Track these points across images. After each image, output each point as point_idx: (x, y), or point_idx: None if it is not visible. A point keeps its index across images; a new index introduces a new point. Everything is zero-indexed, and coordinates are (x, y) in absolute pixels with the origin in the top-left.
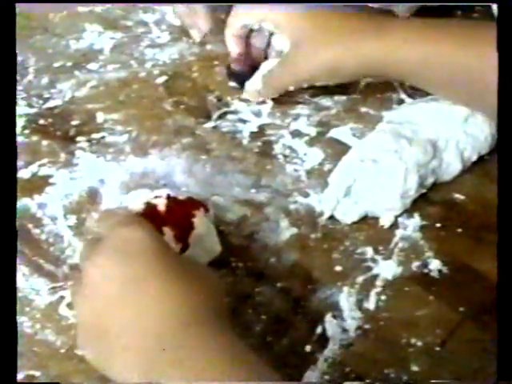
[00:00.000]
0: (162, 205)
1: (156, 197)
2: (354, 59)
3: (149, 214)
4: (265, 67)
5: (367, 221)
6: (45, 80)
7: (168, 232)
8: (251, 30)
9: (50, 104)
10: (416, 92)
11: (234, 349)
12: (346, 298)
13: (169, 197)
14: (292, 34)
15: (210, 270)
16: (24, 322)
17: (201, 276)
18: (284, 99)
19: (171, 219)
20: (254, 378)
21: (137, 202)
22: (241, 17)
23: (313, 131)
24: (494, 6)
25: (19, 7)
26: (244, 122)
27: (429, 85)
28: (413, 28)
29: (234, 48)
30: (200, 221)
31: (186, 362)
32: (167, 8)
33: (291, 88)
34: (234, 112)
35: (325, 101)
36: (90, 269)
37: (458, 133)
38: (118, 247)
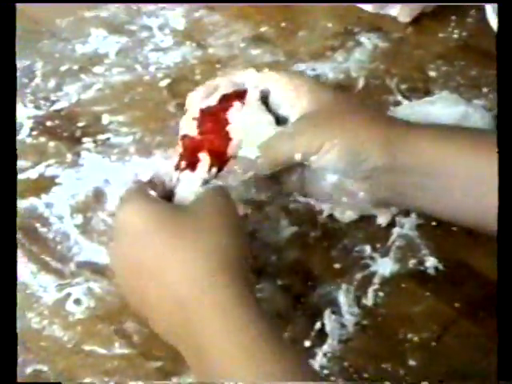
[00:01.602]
0: (192, 129)
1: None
2: (379, 144)
3: (186, 146)
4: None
5: (365, 219)
6: (52, 83)
7: (204, 157)
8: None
9: (57, 106)
10: (412, 94)
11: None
12: (344, 295)
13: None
14: (312, 102)
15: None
16: (32, 318)
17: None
18: None
19: (206, 142)
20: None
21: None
22: (246, 76)
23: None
24: (488, 10)
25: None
26: None
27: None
28: (440, 130)
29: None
30: (235, 116)
31: (221, 306)
32: (170, 13)
33: (297, 157)
34: None
35: None
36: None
37: None
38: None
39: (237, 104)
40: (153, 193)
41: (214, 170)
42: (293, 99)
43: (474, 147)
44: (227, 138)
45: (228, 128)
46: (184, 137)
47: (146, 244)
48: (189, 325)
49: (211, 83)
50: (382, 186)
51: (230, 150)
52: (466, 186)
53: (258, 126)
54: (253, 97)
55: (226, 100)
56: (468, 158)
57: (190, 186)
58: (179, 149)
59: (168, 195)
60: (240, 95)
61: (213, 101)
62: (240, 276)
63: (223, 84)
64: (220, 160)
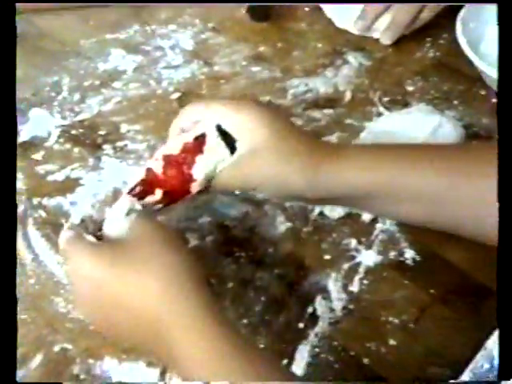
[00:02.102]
0: (158, 168)
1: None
2: (305, 180)
3: (148, 178)
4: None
5: (351, 216)
6: (76, 96)
7: (158, 193)
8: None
9: (81, 117)
10: (392, 106)
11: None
12: (333, 283)
13: (165, 157)
14: (251, 140)
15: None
16: (59, 303)
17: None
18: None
19: (167, 184)
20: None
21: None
22: (199, 112)
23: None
24: (458, 32)
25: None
26: None
27: (388, 209)
28: (369, 154)
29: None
30: (199, 172)
31: (178, 313)
32: (181, 35)
33: (237, 191)
34: None
35: (315, 113)
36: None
37: (428, 140)
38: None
39: (200, 159)
40: (89, 237)
41: (159, 206)
42: (237, 133)
43: (399, 175)
44: (188, 191)
45: (191, 184)
46: (149, 170)
47: (101, 285)
48: (156, 335)
49: (175, 126)
50: (318, 203)
51: (183, 199)
52: (387, 206)
53: (216, 164)
54: (212, 141)
55: (188, 151)
56: (392, 185)
57: (122, 209)
58: (141, 176)
59: (100, 228)
60: (200, 141)
61: (175, 149)
62: (192, 283)
63: (185, 125)
64: (169, 201)
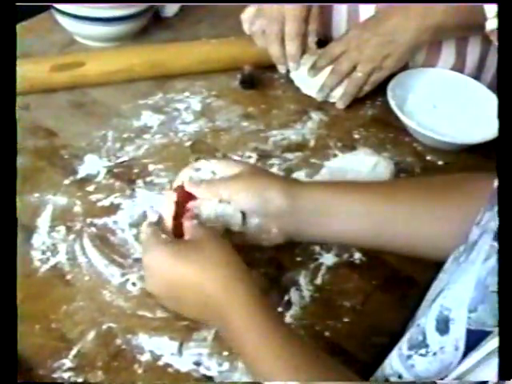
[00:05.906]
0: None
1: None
2: (279, 193)
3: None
4: None
5: None
6: (118, 145)
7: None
8: None
9: (121, 160)
10: (344, 149)
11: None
12: (303, 278)
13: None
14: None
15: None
16: (106, 294)
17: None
18: (264, 154)
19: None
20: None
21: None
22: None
23: (281, 174)
24: (389, 96)
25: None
26: None
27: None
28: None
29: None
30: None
31: (234, 293)
32: (192, 100)
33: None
34: None
35: (289, 155)
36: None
37: (369, 174)
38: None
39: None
40: (164, 235)
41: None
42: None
43: (348, 194)
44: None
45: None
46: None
47: (173, 274)
48: (216, 312)
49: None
50: (288, 223)
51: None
52: (344, 221)
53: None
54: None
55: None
56: (344, 202)
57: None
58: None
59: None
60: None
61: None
62: (242, 273)
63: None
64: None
